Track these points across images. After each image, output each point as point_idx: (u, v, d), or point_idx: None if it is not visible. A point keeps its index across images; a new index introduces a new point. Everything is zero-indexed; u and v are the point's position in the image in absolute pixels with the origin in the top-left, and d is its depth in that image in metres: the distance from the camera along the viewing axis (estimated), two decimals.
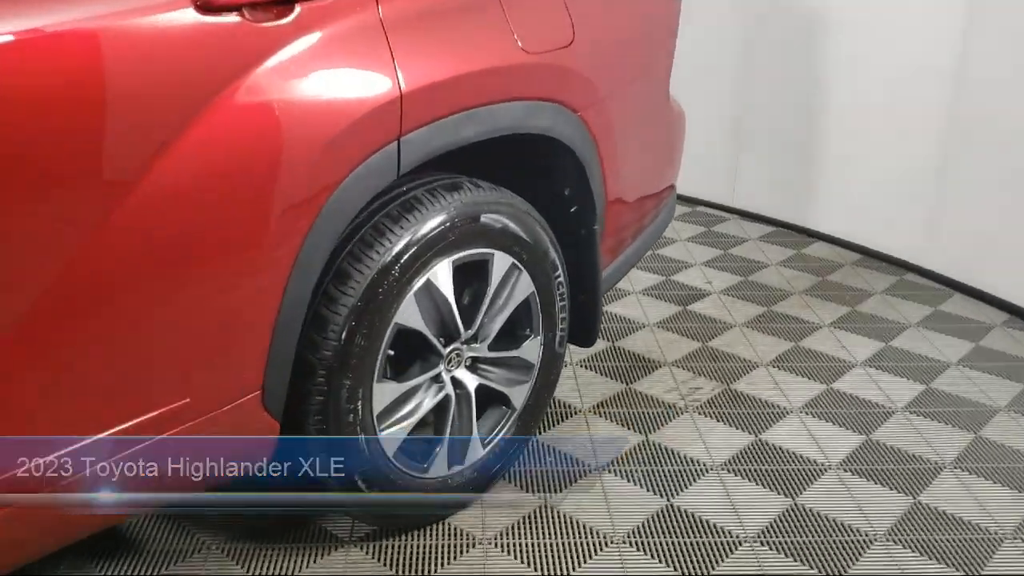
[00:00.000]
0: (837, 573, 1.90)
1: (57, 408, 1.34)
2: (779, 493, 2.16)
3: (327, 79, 1.51)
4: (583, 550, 1.96)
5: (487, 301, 1.91)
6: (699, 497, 2.14)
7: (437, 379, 1.89)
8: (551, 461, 2.26)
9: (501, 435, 2.05)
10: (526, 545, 1.97)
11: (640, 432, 2.39)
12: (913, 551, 1.97)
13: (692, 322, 3.04)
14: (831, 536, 2.01)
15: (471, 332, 1.91)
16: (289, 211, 1.49)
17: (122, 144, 1.31)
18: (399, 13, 1.61)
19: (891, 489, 2.18)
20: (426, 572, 1.89)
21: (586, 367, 2.72)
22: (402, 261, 1.70)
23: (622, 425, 2.42)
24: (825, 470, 2.25)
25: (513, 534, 2.00)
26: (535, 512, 2.07)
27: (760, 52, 3.83)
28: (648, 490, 2.16)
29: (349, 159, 1.55)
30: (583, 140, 2.00)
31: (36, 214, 1.25)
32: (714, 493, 2.15)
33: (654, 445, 2.34)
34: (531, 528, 2.02)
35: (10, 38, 1.18)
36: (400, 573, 1.88)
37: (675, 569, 1.91)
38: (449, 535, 1.99)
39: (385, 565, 1.90)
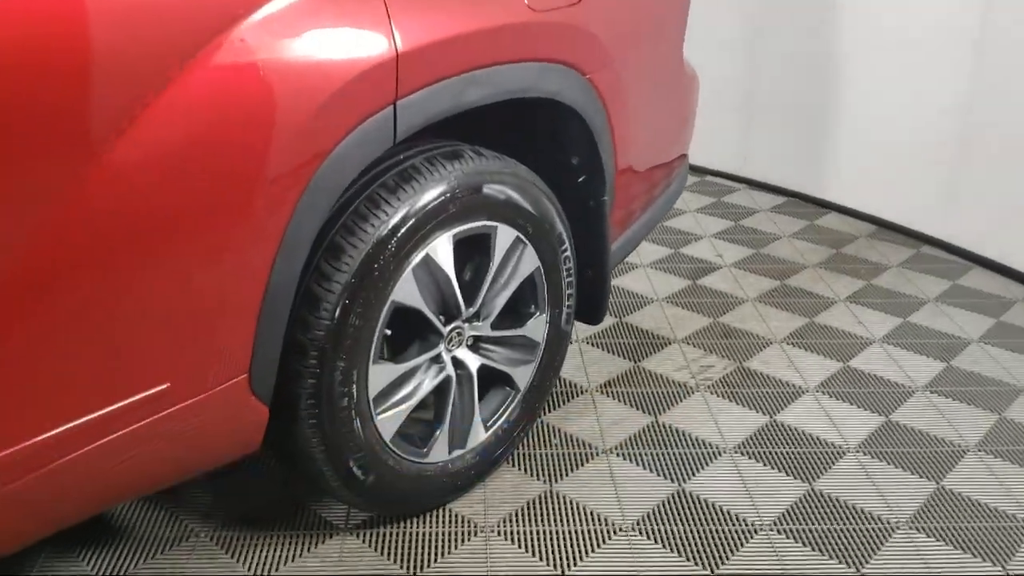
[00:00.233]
0: (858, 564, 1.81)
1: (19, 397, 1.23)
2: (795, 478, 2.06)
3: (317, 37, 1.39)
4: (590, 538, 1.86)
5: (490, 277, 1.81)
6: (712, 482, 2.04)
7: (437, 359, 1.80)
8: (556, 444, 2.16)
9: (504, 417, 1.97)
10: (530, 533, 1.88)
11: (649, 413, 2.30)
12: (938, 540, 1.88)
13: (702, 297, 2.93)
14: (851, 524, 1.92)
15: (473, 310, 1.82)
16: (276, 181, 1.38)
17: (91, 106, 1.18)
18: None
19: (913, 473, 2.08)
20: (426, 561, 1.80)
21: (592, 344, 2.62)
22: (399, 234, 1.59)
23: (630, 405, 2.33)
24: (843, 453, 2.15)
25: (517, 521, 1.91)
26: (539, 498, 1.98)
27: (771, 14, 3.70)
28: (658, 474, 2.06)
29: (341, 125, 1.44)
30: (592, 105, 1.89)
31: None
32: (727, 478, 2.06)
33: (664, 426, 2.24)
34: (535, 515, 1.93)
35: None
36: (399, 562, 1.79)
37: (688, 559, 1.81)
38: (449, 522, 1.90)
39: (383, 554, 1.81)
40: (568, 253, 1.95)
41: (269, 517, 1.90)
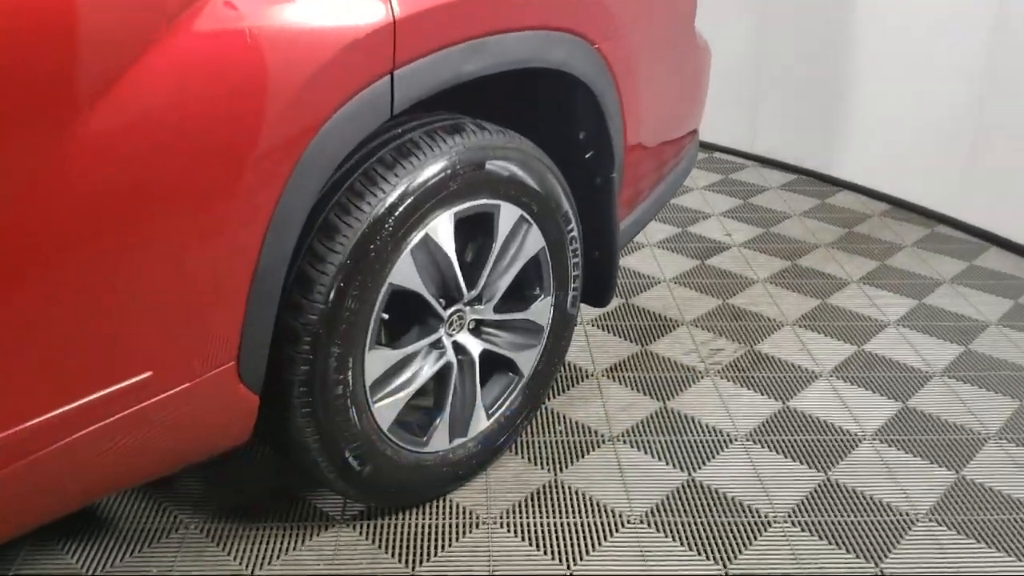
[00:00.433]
0: (877, 558, 1.73)
1: None
2: (810, 467, 1.98)
3: (308, 1, 1.30)
4: (597, 530, 1.79)
5: (492, 258, 1.73)
6: (723, 471, 1.96)
7: (437, 345, 1.72)
8: (561, 431, 2.08)
9: (507, 404, 1.89)
10: (534, 525, 1.80)
11: (657, 398, 2.22)
12: (959, 532, 1.80)
13: (711, 277, 2.84)
14: (868, 515, 1.84)
15: (475, 293, 1.74)
16: (265, 156, 1.29)
17: (66, 74, 1.09)
18: None
19: (932, 462, 2.01)
20: (425, 554, 1.72)
21: (598, 327, 2.53)
22: (397, 213, 1.51)
23: (638, 391, 2.25)
24: (859, 441, 2.07)
25: (520, 512, 1.83)
26: (544, 488, 1.90)
27: None
28: (667, 463, 1.98)
29: (334, 96, 1.35)
30: (601, 76, 1.80)
31: None
32: (739, 466, 1.98)
33: (673, 413, 2.16)
34: (540, 506, 1.85)
35: None
36: (397, 556, 1.72)
37: (699, 553, 1.74)
38: (450, 514, 1.82)
39: (380, 547, 1.74)
40: (574, 233, 1.87)
41: (261, 508, 1.82)
